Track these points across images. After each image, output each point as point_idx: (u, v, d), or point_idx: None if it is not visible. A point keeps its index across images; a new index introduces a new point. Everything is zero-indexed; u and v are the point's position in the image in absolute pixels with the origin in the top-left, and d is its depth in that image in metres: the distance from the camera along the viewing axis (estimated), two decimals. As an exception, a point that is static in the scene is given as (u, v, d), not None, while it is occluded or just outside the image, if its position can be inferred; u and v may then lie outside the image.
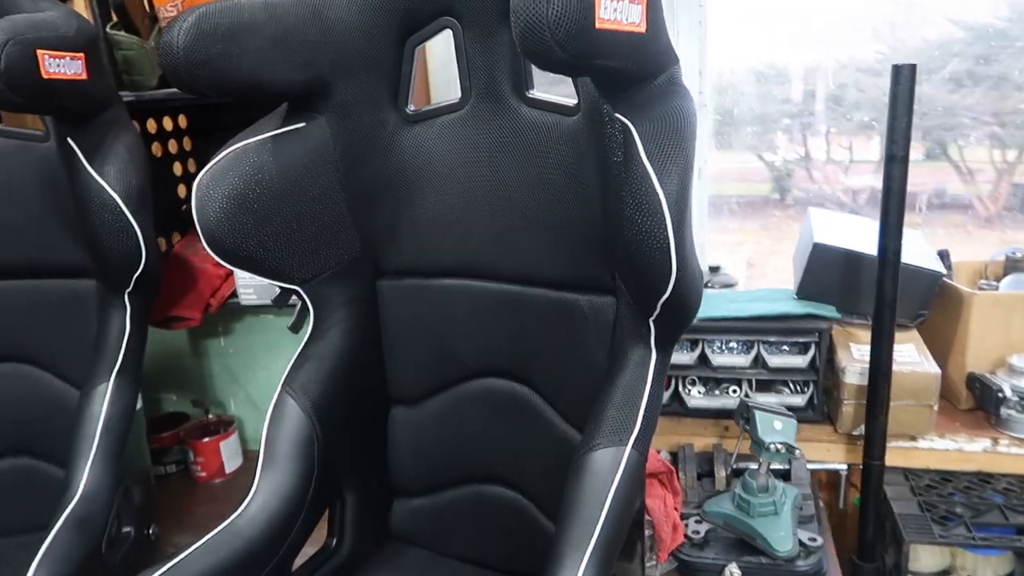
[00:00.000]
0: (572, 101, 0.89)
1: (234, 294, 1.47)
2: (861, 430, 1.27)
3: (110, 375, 1.15)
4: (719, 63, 1.64)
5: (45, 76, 0.98)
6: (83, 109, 1.10)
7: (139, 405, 1.25)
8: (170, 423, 1.69)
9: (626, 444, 0.79)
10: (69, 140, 1.10)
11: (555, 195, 0.92)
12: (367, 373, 1.06)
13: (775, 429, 1.10)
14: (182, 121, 1.59)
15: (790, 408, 1.20)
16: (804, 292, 1.40)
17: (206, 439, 1.62)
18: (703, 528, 1.15)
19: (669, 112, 0.72)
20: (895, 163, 1.15)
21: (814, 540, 1.11)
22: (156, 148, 1.53)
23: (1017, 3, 1.49)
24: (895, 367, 1.23)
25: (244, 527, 0.88)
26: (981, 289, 1.40)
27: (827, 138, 1.68)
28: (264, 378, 1.76)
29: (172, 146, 1.57)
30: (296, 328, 1.06)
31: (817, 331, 1.33)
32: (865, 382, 1.24)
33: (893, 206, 1.17)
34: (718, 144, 1.71)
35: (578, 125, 0.88)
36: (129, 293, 1.18)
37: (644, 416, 0.80)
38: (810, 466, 1.33)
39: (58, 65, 1.00)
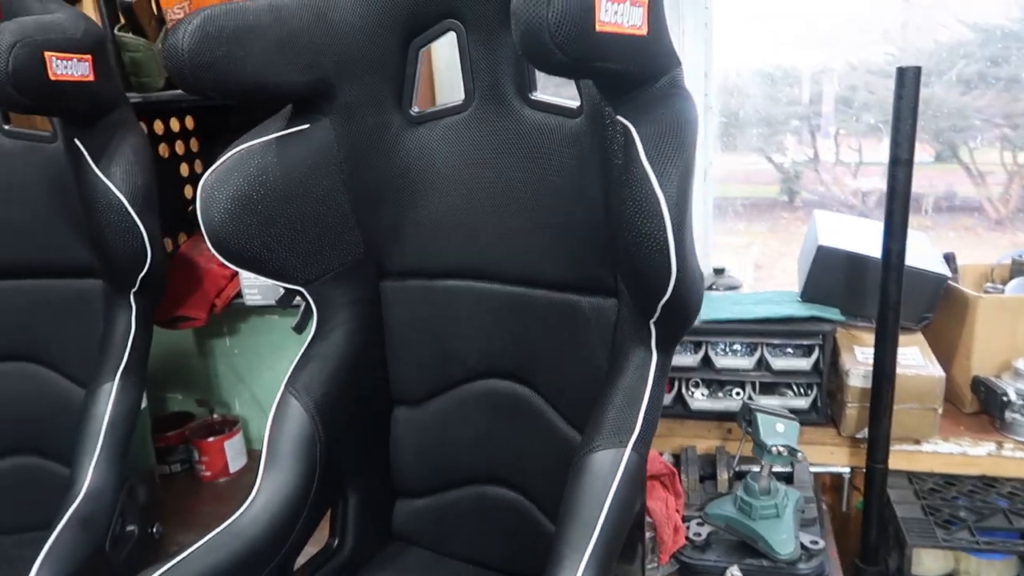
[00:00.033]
0: (575, 103, 0.89)
1: (239, 294, 1.48)
2: (865, 433, 1.27)
3: (115, 374, 1.16)
4: (726, 65, 1.64)
5: (52, 78, 0.99)
6: (90, 110, 1.11)
7: (144, 404, 1.26)
8: (175, 422, 1.70)
9: (626, 446, 0.79)
10: (76, 141, 1.11)
11: (558, 197, 0.92)
12: (370, 374, 1.06)
13: (777, 432, 1.10)
14: (189, 122, 1.60)
15: (793, 411, 1.20)
16: (808, 295, 1.40)
17: (211, 439, 1.63)
18: (705, 530, 1.15)
19: (670, 115, 0.72)
20: (899, 165, 1.15)
21: (816, 543, 1.10)
22: (163, 149, 1.54)
23: (1029, 5, 1.48)
24: (899, 370, 1.23)
25: (246, 526, 0.88)
26: (987, 292, 1.39)
27: (836, 140, 1.67)
28: (269, 378, 1.77)
29: (179, 147, 1.58)
30: (300, 329, 1.06)
31: (821, 334, 1.32)
32: (869, 385, 1.24)
33: (897, 208, 1.16)
34: (726, 146, 1.71)
35: (581, 127, 0.89)
36: (135, 293, 1.19)
37: (644, 418, 0.80)
38: (813, 469, 1.33)
39: (65, 67, 1.01)
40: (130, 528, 1.19)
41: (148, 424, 1.42)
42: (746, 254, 1.79)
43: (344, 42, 0.93)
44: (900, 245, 1.17)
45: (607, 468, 0.78)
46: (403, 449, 1.11)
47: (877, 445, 1.23)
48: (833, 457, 1.34)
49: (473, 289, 1.02)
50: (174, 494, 1.55)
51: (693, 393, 1.41)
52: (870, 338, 1.26)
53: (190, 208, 1.59)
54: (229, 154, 0.90)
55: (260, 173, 0.90)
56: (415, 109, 1.01)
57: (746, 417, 1.15)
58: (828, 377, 1.34)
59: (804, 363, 1.34)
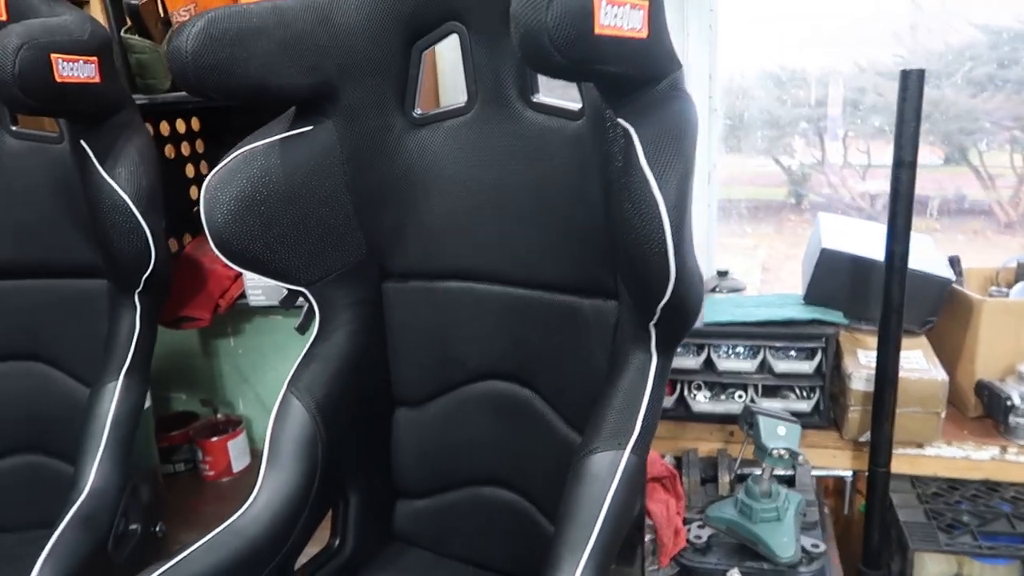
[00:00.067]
0: (577, 106, 0.89)
1: (243, 295, 1.49)
2: (867, 437, 1.26)
3: (119, 374, 1.17)
4: (732, 67, 1.64)
5: (58, 79, 1.00)
6: (96, 112, 1.12)
7: (148, 404, 1.26)
8: (179, 422, 1.71)
9: (625, 448, 0.79)
10: (82, 142, 1.11)
11: (559, 199, 0.92)
12: (372, 374, 1.07)
13: (779, 435, 1.10)
14: (195, 124, 1.61)
15: (796, 414, 1.20)
16: (812, 297, 1.39)
17: (214, 438, 1.63)
18: (705, 533, 1.15)
19: (670, 117, 0.72)
20: (903, 168, 1.15)
21: (817, 546, 1.10)
22: (169, 150, 1.54)
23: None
24: (902, 374, 1.22)
25: (247, 526, 0.89)
26: (991, 296, 1.39)
27: (844, 142, 1.67)
28: (273, 378, 1.77)
29: (185, 148, 1.59)
30: (303, 329, 1.07)
31: (824, 337, 1.32)
32: (871, 388, 1.24)
33: (901, 211, 1.16)
34: (733, 148, 1.71)
35: (582, 129, 0.89)
36: (139, 293, 1.20)
37: (644, 420, 0.80)
38: (816, 472, 1.32)
39: (71, 68, 1.02)
40: (133, 527, 1.19)
41: (151, 423, 1.43)
42: (753, 256, 1.79)
43: (347, 44, 0.93)
44: (903, 248, 1.17)
45: (606, 470, 0.78)
46: (404, 450, 1.11)
47: (879, 449, 1.23)
48: (836, 460, 1.34)
49: (474, 291, 1.02)
50: (178, 493, 1.55)
51: (695, 395, 1.41)
52: (873, 341, 1.26)
53: (195, 209, 1.60)
54: (232, 156, 0.91)
55: (263, 174, 0.91)
56: (418, 111, 1.01)
57: (747, 420, 1.15)
58: (831, 380, 1.33)
59: (807, 366, 1.33)
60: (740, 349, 1.39)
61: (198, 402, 1.81)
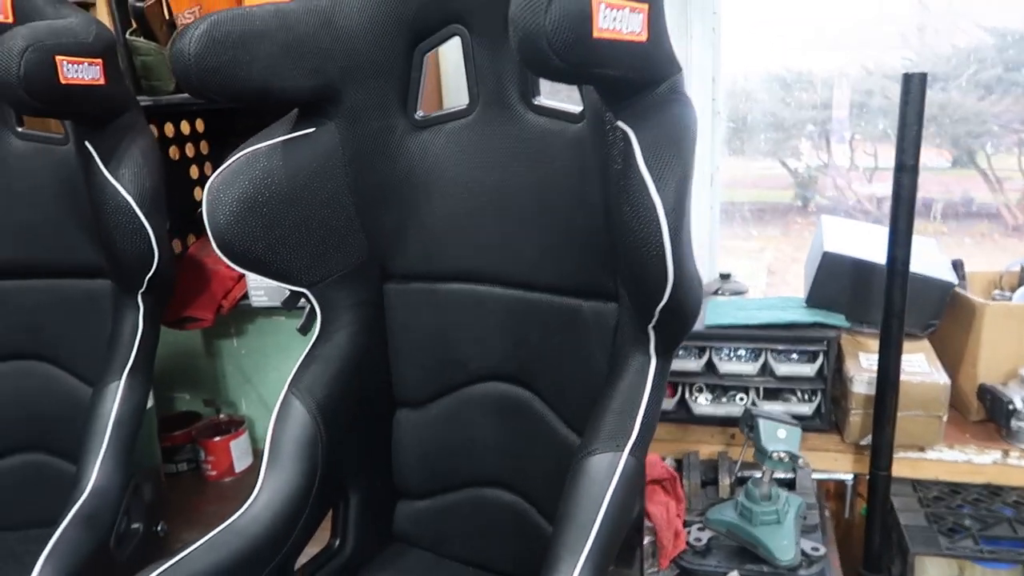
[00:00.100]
0: (578, 108, 0.90)
1: (246, 296, 1.50)
2: (869, 440, 1.26)
3: (122, 373, 1.18)
4: (737, 69, 1.63)
5: (63, 81, 1.01)
6: (100, 113, 1.13)
7: (150, 403, 1.27)
8: (182, 422, 1.72)
9: (623, 450, 0.79)
10: (87, 143, 1.12)
11: (560, 201, 0.93)
12: (373, 375, 1.07)
13: (779, 438, 1.10)
14: (199, 125, 1.62)
15: (797, 417, 1.20)
16: (814, 300, 1.39)
17: (217, 438, 1.64)
18: (705, 536, 1.15)
19: (669, 120, 0.72)
20: (905, 172, 1.15)
21: (817, 550, 1.10)
22: (173, 151, 1.55)
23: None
24: (904, 377, 1.22)
25: (247, 525, 0.89)
26: (994, 300, 1.38)
27: (851, 145, 1.67)
28: (275, 379, 1.78)
29: (189, 150, 1.60)
30: (305, 330, 1.07)
31: (825, 340, 1.32)
32: (873, 392, 1.23)
33: (902, 214, 1.16)
34: (739, 151, 1.70)
35: (583, 132, 0.89)
36: (142, 293, 1.20)
37: (642, 422, 0.81)
38: (817, 476, 1.32)
39: (76, 71, 1.03)
40: (135, 526, 1.20)
41: (154, 423, 1.43)
42: (759, 259, 1.79)
43: (350, 47, 0.94)
44: (905, 252, 1.17)
45: (604, 472, 0.78)
46: (405, 451, 1.11)
47: (880, 452, 1.22)
48: (837, 464, 1.34)
49: (475, 292, 1.02)
50: (180, 493, 1.56)
51: (697, 398, 1.41)
52: (875, 344, 1.25)
53: (199, 210, 1.61)
54: (235, 157, 0.91)
55: (265, 176, 0.91)
56: (420, 113, 1.02)
57: (748, 423, 1.15)
58: (832, 383, 1.33)
59: (808, 369, 1.33)
60: (742, 352, 1.39)
61: (201, 402, 1.82)
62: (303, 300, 1.02)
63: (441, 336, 1.06)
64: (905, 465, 1.28)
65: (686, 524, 1.18)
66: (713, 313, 1.39)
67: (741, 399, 1.39)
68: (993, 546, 1.15)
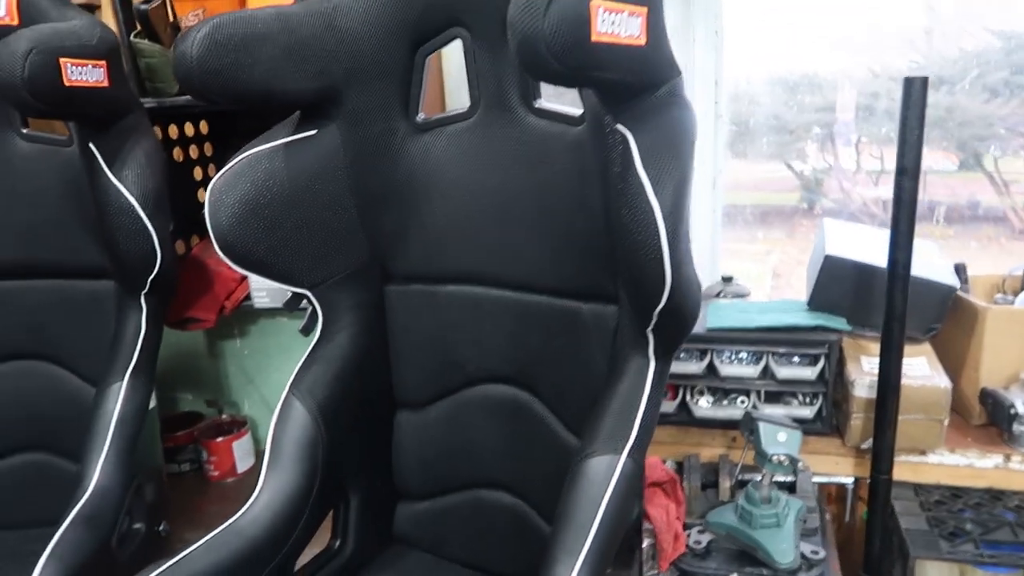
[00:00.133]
0: (578, 111, 0.90)
1: (248, 297, 1.50)
2: (870, 443, 1.26)
3: (125, 374, 1.18)
4: (745, 72, 1.63)
5: (67, 83, 1.01)
6: (104, 115, 1.13)
7: (153, 404, 1.27)
8: (185, 422, 1.73)
9: (621, 452, 0.79)
10: (90, 145, 1.13)
11: (560, 204, 0.93)
12: (374, 377, 1.07)
13: (779, 441, 1.10)
14: (203, 127, 1.63)
15: (798, 420, 1.20)
16: (815, 304, 1.39)
17: (219, 439, 1.65)
18: (705, 538, 1.15)
19: (668, 124, 0.72)
20: (906, 175, 1.15)
21: (816, 553, 1.10)
22: (177, 153, 1.56)
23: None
24: (905, 381, 1.22)
25: (247, 526, 0.90)
26: (996, 303, 1.38)
27: (857, 148, 1.67)
28: (277, 379, 1.79)
29: (193, 151, 1.61)
30: (307, 331, 1.07)
31: (827, 343, 1.32)
32: (874, 395, 1.23)
33: (903, 218, 1.16)
34: (744, 153, 1.70)
35: (583, 135, 0.89)
36: (145, 294, 1.21)
37: (641, 425, 0.81)
38: (818, 479, 1.32)
39: (80, 73, 1.03)
40: (137, 526, 1.20)
41: (157, 423, 1.44)
42: (765, 262, 1.78)
43: (352, 49, 0.94)
44: (906, 255, 1.17)
45: (602, 474, 0.78)
46: (405, 452, 1.12)
47: (881, 456, 1.22)
48: (838, 467, 1.33)
49: (475, 294, 1.03)
50: (182, 493, 1.57)
51: (698, 401, 1.41)
52: (876, 348, 1.25)
53: (203, 211, 1.62)
54: (237, 159, 0.92)
55: (267, 178, 0.92)
56: (421, 116, 1.02)
57: (748, 426, 1.15)
58: (833, 387, 1.33)
59: (809, 372, 1.33)
60: (743, 355, 1.39)
61: (204, 403, 1.82)
62: (305, 302, 1.02)
63: (441, 338, 1.06)
64: (906, 469, 1.28)
65: (686, 527, 1.18)
66: (715, 316, 1.40)
67: (742, 402, 1.39)
68: (994, 550, 1.14)
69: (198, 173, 1.62)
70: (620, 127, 0.72)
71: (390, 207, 1.03)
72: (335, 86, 0.95)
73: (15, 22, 1.13)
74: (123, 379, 1.18)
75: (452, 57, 1.37)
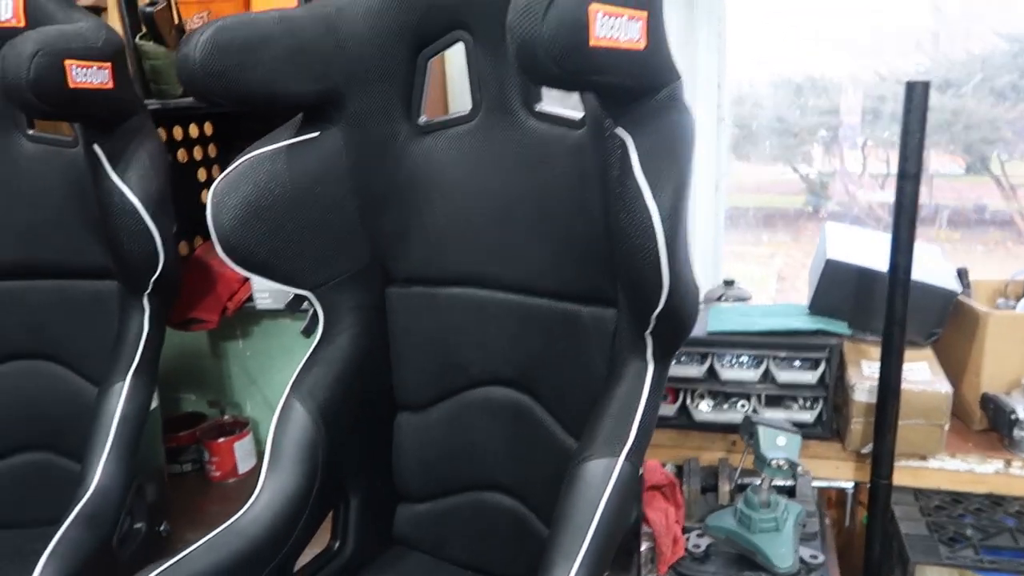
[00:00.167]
0: (579, 115, 0.90)
1: (250, 298, 1.51)
2: (870, 448, 1.26)
3: (127, 374, 1.19)
4: (745, 75, 1.63)
5: (72, 85, 1.02)
6: (108, 117, 1.14)
7: (155, 404, 1.28)
8: (187, 422, 1.73)
9: (619, 455, 0.79)
10: (95, 146, 1.13)
11: (560, 207, 0.93)
12: (374, 379, 1.08)
13: (778, 445, 1.10)
14: (207, 128, 1.64)
15: (798, 424, 1.20)
16: (816, 308, 1.39)
17: (221, 439, 1.65)
18: (704, 542, 1.15)
19: (667, 128, 0.73)
20: (907, 180, 1.15)
21: (815, 557, 1.10)
22: (182, 154, 1.57)
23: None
24: (906, 385, 1.22)
25: (247, 526, 0.90)
26: (998, 308, 1.38)
27: (863, 151, 1.66)
28: (280, 380, 1.78)
29: (197, 152, 1.61)
30: (308, 332, 1.08)
31: (827, 347, 1.32)
32: (875, 400, 1.23)
33: (904, 222, 1.16)
34: (749, 156, 1.70)
35: (583, 138, 0.90)
36: (148, 295, 1.22)
37: (639, 428, 0.81)
38: (818, 483, 1.32)
39: (85, 74, 1.04)
40: (138, 526, 1.21)
41: (158, 423, 1.44)
42: (769, 265, 1.78)
43: (354, 52, 0.95)
44: (907, 260, 1.17)
45: (600, 477, 0.79)
46: (405, 454, 1.12)
47: (881, 461, 1.22)
48: (838, 472, 1.33)
49: (476, 297, 1.03)
50: (184, 493, 1.57)
51: (698, 404, 1.41)
52: (877, 352, 1.25)
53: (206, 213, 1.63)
54: (240, 161, 0.92)
55: (269, 180, 0.92)
56: (423, 119, 1.02)
57: (748, 430, 1.15)
58: (834, 391, 1.33)
59: (810, 376, 1.33)
60: (744, 358, 1.39)
61: (206, 403, 1.83)
62: (306, 303, 1.03)
63: (442, 340, 1.07)
64: (906, 474, 1.28)
65: (685, 530, 1.18)
66: (716, 319, 1.40)
67: (742, 406, 1.39)
68: (994, 556, 1.14)
69: (202, 174, 1.63)
70: (619, 131, 0.72)
71: (391, 209, 1.04)
72: (337, 89, 0.95)
73: (22, 24, 1.14)
74: (125, 379, 1.18)
75: (455, 60, 1.37)
